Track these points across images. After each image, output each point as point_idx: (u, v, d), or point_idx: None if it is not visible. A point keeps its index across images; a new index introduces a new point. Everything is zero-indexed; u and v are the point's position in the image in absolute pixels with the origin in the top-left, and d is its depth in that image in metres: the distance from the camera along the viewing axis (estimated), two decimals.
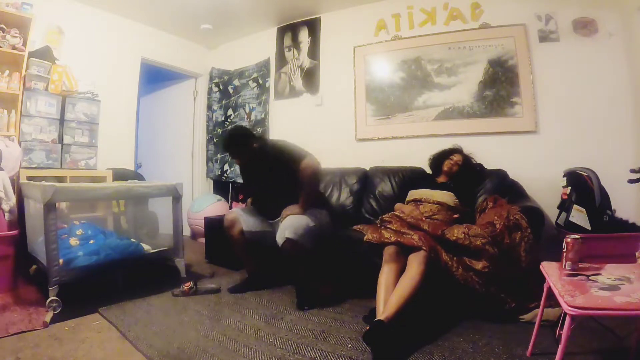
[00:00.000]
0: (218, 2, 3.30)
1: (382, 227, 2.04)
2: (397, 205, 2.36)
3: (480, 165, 2.56)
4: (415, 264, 1.67)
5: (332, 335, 1.64)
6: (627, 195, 2.19)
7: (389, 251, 1.82)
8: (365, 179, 2.98)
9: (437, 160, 2.50)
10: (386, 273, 1.71)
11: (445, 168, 2.40)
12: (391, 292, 1.60)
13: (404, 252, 1.78)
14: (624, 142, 2.37)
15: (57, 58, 2.89)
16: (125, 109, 3.55)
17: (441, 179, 2.44)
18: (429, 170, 2.61)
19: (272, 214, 2.31)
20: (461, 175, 2.39)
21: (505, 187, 2.37)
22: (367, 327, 1.47)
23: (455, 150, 2.48)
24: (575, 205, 2.06)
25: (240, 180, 4.00)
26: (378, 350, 1.43)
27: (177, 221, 2.40)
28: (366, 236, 2.00)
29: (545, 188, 2.43)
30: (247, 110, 3.98)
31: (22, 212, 2.37)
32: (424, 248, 1.72)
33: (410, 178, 2.69)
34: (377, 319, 1.49)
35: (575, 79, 2.51)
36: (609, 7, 2.44)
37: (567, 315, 1.01)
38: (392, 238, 1.85)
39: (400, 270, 1.72)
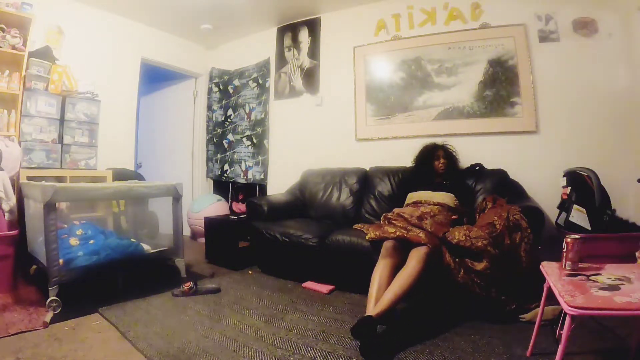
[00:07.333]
0: (218, 2, 3.29)
1: (387, 224, 2.04)
2: (396, 210, 2.36)
3: (479, 164, 2.56)
4: (415, 260, 1.67)
5: (332, 335, 1.64)
6: (627, 195, 2.19)
7: (387, 245, 1.81)
8: (365, 179, 2.98)
9: (427, 163, 2.51)
10: (381, 269, 1.71)
11: (440, 170, 2.43)
12: (384, 289, 1.60)
13: (404, 248, 1.78)
14: (624, 142, 2.37)
15: (57, 58, 2.88)
16: (125, 109, 3.55)
17: (437, 179, 2.45)
18: None
19: None
20: (449, 167, 2.44)
21: (505, 187, 2.37)
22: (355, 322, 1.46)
23: (436, 147, 2.51)
24: (575, 205, 2.06)
25: (240, 181, 4.00)
26: (365, 346, 1.43)
27: (177, 221, 2.40)
28: (368, 235, 2.00)
29: (545, 188, 2.43)
30: (247, 110, 3.98)
31: (22, 212, 2.37)
32: (429, 245, 1.71)
33: (409, 179, 2.69)
34: (367, 314, 1.49)
35: (575, 79, 2.50)
36: (609, 7, 2.44)
37: (567, 315, 1.01)
38: (398, 233, 1.84)
39: (397, 266, 1.71)
